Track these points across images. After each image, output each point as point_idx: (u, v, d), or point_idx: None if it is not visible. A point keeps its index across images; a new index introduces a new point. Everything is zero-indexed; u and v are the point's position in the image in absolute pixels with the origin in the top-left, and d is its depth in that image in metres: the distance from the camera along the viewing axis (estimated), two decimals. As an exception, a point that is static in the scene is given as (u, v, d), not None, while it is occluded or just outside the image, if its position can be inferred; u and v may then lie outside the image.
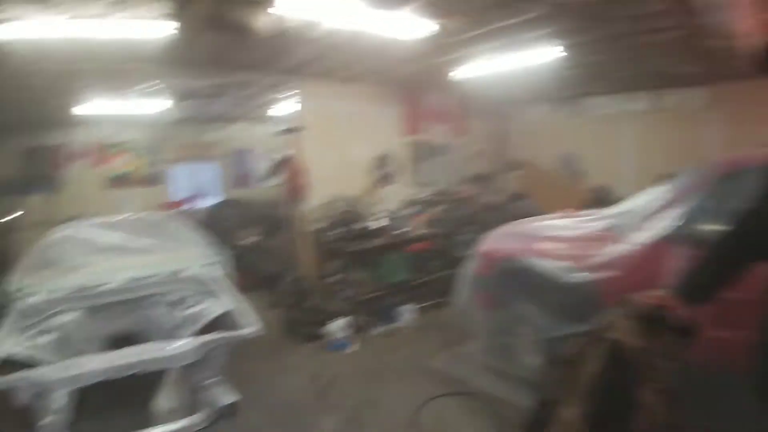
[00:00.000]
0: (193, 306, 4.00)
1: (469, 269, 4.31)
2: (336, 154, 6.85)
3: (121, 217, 5.19)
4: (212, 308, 3.91)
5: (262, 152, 9.26)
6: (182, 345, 3.20)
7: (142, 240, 4.80)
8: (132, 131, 8.35)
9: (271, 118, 8.67)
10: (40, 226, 7.10)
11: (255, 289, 6.73)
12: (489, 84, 6.57)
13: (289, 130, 6.57)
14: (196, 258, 4.65)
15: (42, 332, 3.71)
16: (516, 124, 8.92)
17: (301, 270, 6.59)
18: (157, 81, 5.74)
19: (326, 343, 5.32)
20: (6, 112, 6.56)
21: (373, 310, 5.85)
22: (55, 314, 3.90)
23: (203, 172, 9.45)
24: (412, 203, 7.33)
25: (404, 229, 6.42)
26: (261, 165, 9.40)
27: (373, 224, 6.34)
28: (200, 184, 9.33)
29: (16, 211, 6.89)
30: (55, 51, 4.02)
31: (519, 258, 3.79)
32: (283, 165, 7.19)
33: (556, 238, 3.79)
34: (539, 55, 5.22)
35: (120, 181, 8.40)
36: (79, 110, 6.66)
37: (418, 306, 5.94)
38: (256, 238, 8.05)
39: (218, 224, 7.98)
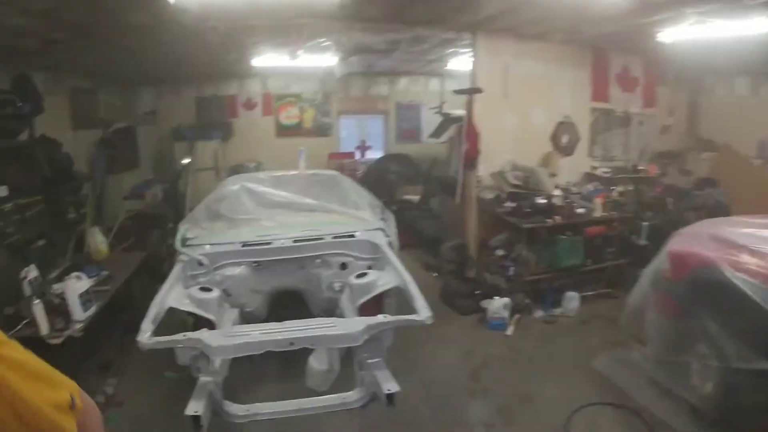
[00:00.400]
0: (361, 274, 3.79)
1: (654, 267, 3.82)
2: (514, 118, 6.28)
3: (292, 172, 5.13)
4: (382, 281, 3.68)
5: (431, 108, 8.86)
6: (353, 325, 2.98)
7: (312, 198, 4.71)
8: (302, 84, 8.51)
9: (444, 73, 8.24)
10: (212, 170, 7.75)
11: (412, 247, 6.59)
12: (690, 51, 5.59)
13: (465, 90, 6.06)
14: (366, 221, 4.49)
15: (206, 285, 3.76)
16: (713, 99, 7.59)
17: (464, 238, 6.29)
18: (329, 36, 5.60)
19: (483, 319, 5.12)
20: (183, 65, 6.93)
21: (536, 292, 5.47)
22: (220, 267, 3.98)
23: (370, 125, 9.38)
24: (591, 178, 6.61)
25: (582, 209, 5.70)
26: (429, 121, 9.02)
27: (549, 200, 5.66)
28: (366, 137, 9.26)
29: (189, 156, 7.25)
30: (227, 7, 4.00)
31: (717, 268, 3.13)
32: (457, 125, 6.76)
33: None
34: (755, 25, 4.35)
35: (288, 131, 8.66)
36: (251, 63, 6.80)
37: (582, 294, 5.45)
38: (418, 196, 7.81)
39: (382, 178, 7.92)
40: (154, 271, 5.40)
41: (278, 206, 4.59)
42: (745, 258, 3.08)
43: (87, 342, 3.57)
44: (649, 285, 3.79)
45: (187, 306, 3.37)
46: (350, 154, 8.68)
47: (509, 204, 5.73)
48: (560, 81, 6.58)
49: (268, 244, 4.06)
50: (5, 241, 4.57)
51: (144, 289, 4.82)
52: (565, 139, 6.72)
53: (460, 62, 7.36)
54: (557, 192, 5.82)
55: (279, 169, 5.47)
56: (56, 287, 3.82)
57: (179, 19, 3.97)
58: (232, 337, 2.83)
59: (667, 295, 3.63)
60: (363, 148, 9.01)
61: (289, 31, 5.16)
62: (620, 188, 6.39)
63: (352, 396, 3.18)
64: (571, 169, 6.65)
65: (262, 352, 2.80)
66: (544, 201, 5.62)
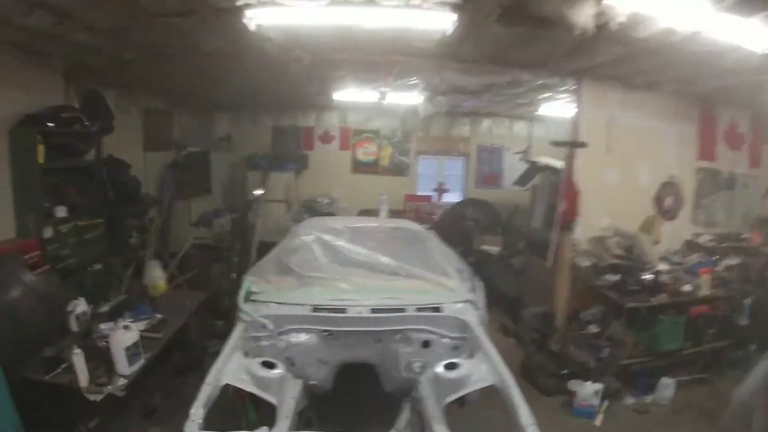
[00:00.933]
0: (450, 365, 3.20)
1: None
2: (616, 176, 5.61)
3: (371, 223, 4.66)
4: (476, 375, 3.13)
5: (515, 153, 8.30)
6: None
7: (393, 258, 4.22)
8: (381, 120, 8.17)
9: (532, 117, 7.66)
10: (283, 203, 7.45)
11: (489, 305, 6.00)
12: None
13: (567, 143, 5.47)
14: (454, 291, 3.96)
15: (268, 352, 3.39)
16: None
17: (551, 305, 5.66)
18: (420, 75, 5.23)
19: (569, 403, 4.62)
20: (261, 93, 6.71)
21: (628, 376, 4.93)
22: (285, 332, 3.55)
23: (449, 166, 8.92)
24: (693, 247, 5.87)
25: (688, 286, 5.00)
26: (512, 166, 8.54)
27: (656, 277, 5.00)
28: (444, 179, 8.81)
29: (262, 187, 6.95)
30: (314, 38, 3.76)
31: None
32: (543, 174, 6.18)
33: None
34: None
35: (364, 167, 8.35)
36: (332, 97, 6.53)
37: (676, 379, 4.89)
38: (498, 247, 7.21)
39: (458, 225, 7.41)
40: (215, 307, 5.12)
41: (355, 265, 4.12)
42: None
43: (130, 387, 3.28)
44: (764, 382, 3.47)
45: (245, 384, 2.92)
46: (427, 197, 8.20)
47: (610, 277, 5.09)
48: (666, 136, 5.88)
49: (343, 311, 3.58)
50: (59, 264, 4.36)
51: (200, 325, 4.47)
52: (669, 202, 5.98)
53: (553, 107, 6.88)
54: (663, 266, 5.18)
55: (353, 205, 5.17)
56: (104, 328, 3.58)
57: (260, 47, 3.73)
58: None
59: None
60: (440, 190, 8.58)
61: (378, 67, 4.79)
62: (727, 261, 5.62)
63: None
64: (672, 236, 5.94)
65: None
66: (651, 277, 4.99)
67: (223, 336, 5.34)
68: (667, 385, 4.84)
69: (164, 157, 6.41)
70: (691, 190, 6.14)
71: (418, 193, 8.45)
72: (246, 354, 3.27)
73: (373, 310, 3.60)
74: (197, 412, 2.46)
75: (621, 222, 5.63)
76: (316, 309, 3.59)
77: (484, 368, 3.14)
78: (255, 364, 3.00)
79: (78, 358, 3.05)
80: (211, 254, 6.07)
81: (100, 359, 3.25)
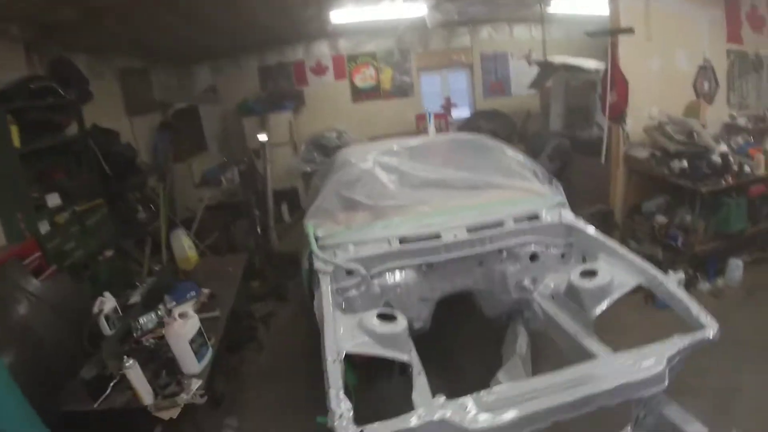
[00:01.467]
0: (587, 272, 2.77)
1: None
2: (657, 63, 5.31)
3: (424, 139, 4.06)
4: (618, 279, 2.72)
5: (522, 56, 7.73)
6: (641, 361, 2.02)
7: (467, 171, 3.68)
8: (375, 42, 7.41)
9: (532, 19, 7.16)
10: (287, 145, 6.77)
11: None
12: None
13: (612, 31, 5.03)
14: (545, 195, 3.51)
15: (361, 301, 2.92)
16: None
17: (606, 203, 5.41)
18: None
19: (651, 297, 4.29)
20: (243, 32, 6.00)
21: (699, 262, 4.81)
22: (377, 275, 3.02)
23: (453, 80, 8.26)
24: (732, 129, 5.62)
25: (747, 166, 4.82)
26: (518, 72, 8.02)
27: (725, 158, 4.75)
28: (452, 93, 8.14)
29: (264, 132, 6.21)
30: None
31: None
32: (574, 80, 6.06)
33: None
34: None
35: (365, 94, 7.63)
36: (328, 19, 5.85)
37: (744, 260, 4.84)
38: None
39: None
40: (249, 269, 4.57)
41: (428, 185, 3.55)
42: None
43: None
44: None
45: (368, 347, 2.35)
46: (442, 115, 7.57)
47: (677, 164, 4.80)
48: (698, 20, 5.59)
49: (437, 237, 3.06)
50: (66, 261, 3.64)
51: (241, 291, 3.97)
52: (706, 86, 5.79)
53: (565, 3, 6.37)
54: (723, 148, 4.90)
55: (360, 135, 4.61)
56: (145, 321, 2.87)
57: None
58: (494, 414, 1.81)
59: None
60: (448, 106, 7.93)
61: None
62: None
63: None
64: (711, 120, 5.69)
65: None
66: (720, 160, 4.75)
67: (262, 298, 4.98)
68: (736, 267, 4.76)
69: (150, 120, 5.65)
70: (723, 73, 5.96)
71: (427, 112, 7.69)
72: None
73: (470, 230, 3.11)
74: (339, 405, 1.86)
75: (666, 110, 5.39)
76: (404, 241, 3.06)
77: (623, 269, 2.75)
78: (371, 320, 2.43)
79: (133, 370, 2.34)
80: (227, 213, 5.43)
81: (157, 362, 2.60)
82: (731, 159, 4.77)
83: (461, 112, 8.00)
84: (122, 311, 3.15)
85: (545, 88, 7.18)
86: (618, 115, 5.13)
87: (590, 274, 2.74)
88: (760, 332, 3.81)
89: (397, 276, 3.01)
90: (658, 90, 5.40)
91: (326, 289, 2.68)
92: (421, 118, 7.19)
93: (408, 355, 2.36)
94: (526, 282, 3.20)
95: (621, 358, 2.10)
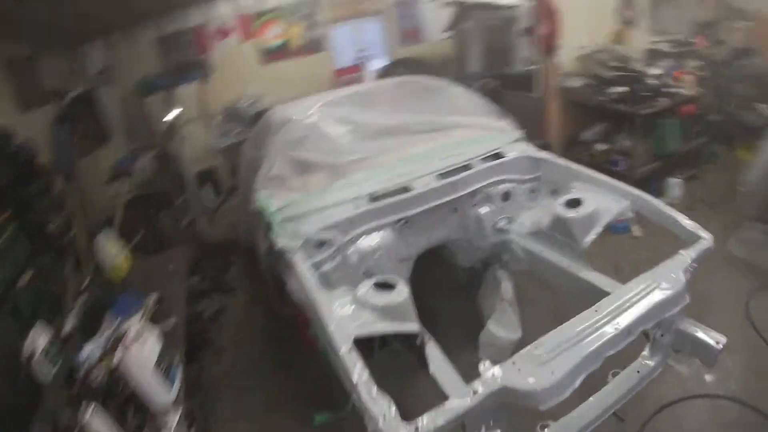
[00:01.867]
0: (572, 201, 2.66)
1: None
2: None
3: (366, 86, 3.71)
4: (604, 205, 2.62)
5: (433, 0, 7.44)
6: (671, 281, 1.99)
7: (424, 113, 3.40)
8: None
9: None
10: (200, 121, 6.17)
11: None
12: None
13: None
14: (505, 131, 3.37)
15: (337, 273, 2.59)
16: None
17: (543, 137, 5.27)
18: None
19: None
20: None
21: (639, 184, 4.85)
22: (351, 241, 2.69)
23: (367, 30, 7.74)
24: (656, 55, 5.77)
25: (677, 88, 4.97)
26: (432, 17, 7.62)
27: (660, 80, 4.89)
28: (366, 44, 7.65)
29: (174, 107, 5.58)
30: None
31: None
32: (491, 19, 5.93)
33: None
34: None
35: (275, 54, 6.92)
36: None
37: (681, 178, 5.06)
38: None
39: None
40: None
41: (384, 133, 3.22)
42: None
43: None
44: None
45: (377, 326, 2.01)
46: (358, 68, 7.14)
47: (616, 89, 4.85)
48: None
49: (408, 189, 2.79)
50: None
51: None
52: (628, 13, 5.94)
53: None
54: (656, 71, 5.02)
55: (277, 100, 4.23)
56: (89, 351, 2.23)
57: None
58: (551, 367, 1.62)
59: None
60: (363, 58, 7.49)
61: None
62: (693, 63, 5.68)
63: (648, 365, 2.27)
64: (635, 46, 5.81)
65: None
66: (656, 82, 4.86)
67: (205, 294, 4.48)
68: (675, 185, 4.94)
69: (48, 114, 4.81)
70: (645, 1, 6.10)
71: (344, 66, 7.32)
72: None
73: (440, 176, 2.88)
74: (380, 401, 1.55)
75: (594, 38, 5.46)
76: (373, 199, 2.75)
77: (603, 195, 2.69)
78: (370, 292, 2.10)
79: (96, 417, 1.79)
80: (148, 206, 4.79)
81: (117, 400, 1.99)
82: (665, 81, 4.89)
83: (378, 62, 7.59)
84: (59, 344, 2.54)
85: (461, 30, 6.94)
86: (551, 46, 5.03)
87: (575, 203, 2.63)
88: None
89: (374, 238, 2.69)
90: (586, 20, 5.37)
91: (302, 267, 2.31)
92: (339, 74, 6.75)
93: (417, 323, 2.06)
94: (502, 223, 3.03)
95: (641, 283, 2.02)
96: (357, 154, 3.02)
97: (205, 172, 6.00)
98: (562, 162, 3.03)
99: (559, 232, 2.67)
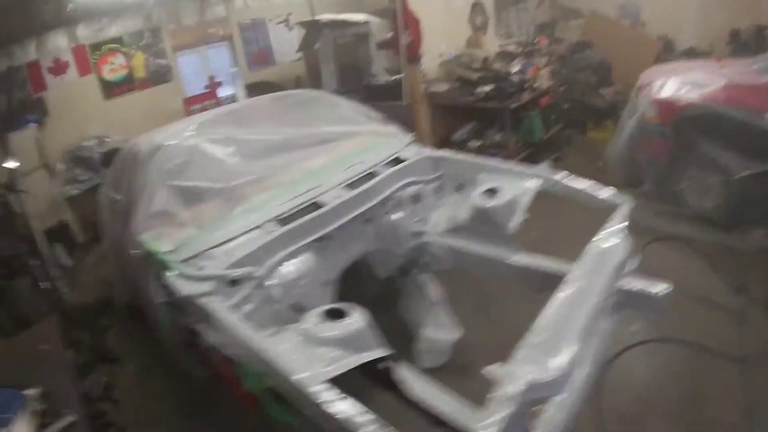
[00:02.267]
0: (489, 191, 2.65)
1: (636, 118, 4.27)
2: (439, 3, 5.82)
3: (239, 104, 3.42)
4: (517, 190, 2.64)
5: (279, 23, 7.51)
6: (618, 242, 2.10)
7: (311, 126, 3.20)
8: (121, 23, 6.04)
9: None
10: (41, 169, 5.40)
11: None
12: None
13: None
14: (395, 135, 3.35)
15: (261, 313, 2.27)
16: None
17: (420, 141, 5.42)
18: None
19: None
20: None
21: None
22: (269, 273, 2.37)
23: (215, 57, 7.38)
24: (506, 56, 6.23)
25: (537, 83, 5.48)
26: (279, 39, 7.64)
27: (523, 76, 5.36)
28: (214, 71, 7.23)
29: (10, 158, 4.73)
30: None
31: (706, 105, 3.84)
32: (344, 36, 6.10)
33: (731, 85, 3.82)
34: None
35: (118, 87, 6.23)
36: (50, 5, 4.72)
37: (549, 162, 5.39)
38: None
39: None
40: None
41: (274, 150, 2.97)
42: (719, 92, 3.82)
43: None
44: (636, 132, 4.28)
45: (347, 361, 1.72)
46: (211, 94, 6.67)
47: (484, 88, 5.15)
48: None
49: (318, 206, 2.58)
50: None
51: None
52: (479, 20, 6.52)
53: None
54: (515, 68, 5.52)
55: (123, 136, 3.81)
56: None
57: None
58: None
59: (656, 137, 4.12)
60: (213, 84, 7.01)
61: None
62: (544, 60, 6.34)
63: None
64: (486, 50, 6.26)
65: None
66: (518, 78, 5.33)
67: (87, 369, 3.78)
68: (545, 168, 5.34)
69: None
70: (491, 8, 6.75)
71: (195, 94, 6.75)
72: None
73: (348, 187, 2.73)
74: None
75: (451, 45, 5.85)
76: (282, 221, 2.50)
77: (512, 181, 2.73)
78: (321, 326, 1.83)
79: None
80: (3, 276, 4.00)
81: None
82: (525, 77, 5.33)
83: (227, 89, 7.26)
84: None
85: (312, 50, 6.87)
86: (414, 55, 5.15)
87: (491, 192, 2.64)
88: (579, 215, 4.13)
89: (295, 264, 2.41)
90: (443, 29, 5.69)
91: (226, 313, 1.98)
92: (189, 103, 6.26)
93: (382, 344, 1.85)
94: (417, 226, 2.94)
95: (593, 252, 2.04)
96: (250, 175, 2.74)
97: (54, 229, 5.21)
98: (463, 157, 3.06)
99: (482, 223, 2.63)
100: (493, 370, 1.49)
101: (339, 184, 2.71)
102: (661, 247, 3.64)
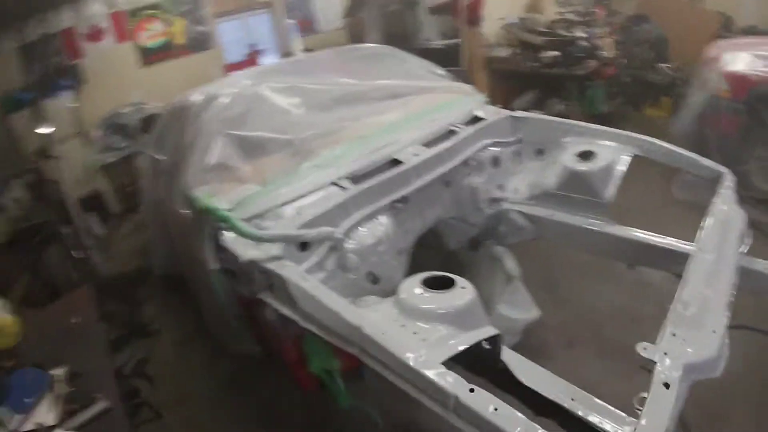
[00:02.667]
0: (585, 153, 2.36)
1: (707, 94, 3.94)
2: None
3: (299, 56, 3.13)
4: (614, 154, 2.37)
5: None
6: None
7: (376, 80, 2.86)
8: None
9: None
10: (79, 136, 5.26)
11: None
12: None
13: None
14: (470, 92, 3.02)
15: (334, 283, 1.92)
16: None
17: None
18: None
19: None
20: None
21: None
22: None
23: (256, 24, 7.04)
24: (565, 24, 5.76)
25: (601, 51, 5.04)
26: (323, 5, 7.22)
27: (591, 43, 4.92)
28: (256, 39, 6.95)
29: (46, 124, 4.56)
30: None
31: None
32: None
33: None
34: None
35: (156, 54, 5.94)
36: None
37: None
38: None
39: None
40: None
41: (342, 102, 2.66)
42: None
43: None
44: (706, 107, 3.97)
45: (462, 340, 1.41)
46: (251, 62, 6.39)
47: (549, 54, 4.81)
48: None
49: (395, 165, 2.26)
50: None
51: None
52: None
53: None
54: (581, 34, 5.08)
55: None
56: None
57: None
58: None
59: (728, 113, 3.82)
60: (255, 53, 6.78)
61: None
62: (605, 29, 5.83)
63: None
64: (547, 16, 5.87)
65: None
66: (587, 44, 4.90)
67: (120, 343, 3.53)
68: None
69: None
70: None
71: (235, 61, 6.54)
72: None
73: (427, 146, 2.39)
74: None
75: (511, 9, 5.50)
76: (355, 179, 2.17)
77: (605, 145, 2.45)
78: (423, 296, 1.51)
79: None
80: (28, 245, 3.77)
81: None
82: (593, 43, 4.91)
83: (270, 58, 6.88)
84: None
85: (357, 17, 6.53)
86: (475, 18, 4.86)
87: (585, 155, 2.36)
88: (648, 193, 3.91)
89: (374, 228, 2.09)
90: None
91: (302, 278, 1.66)
92: (230, 68, 5.98)
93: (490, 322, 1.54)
94: (496, 192, 2.61)
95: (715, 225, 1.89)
96: (317, 128, 2.43)
97: (88, 198, 4.99)
98: (549, 119, 2.75)
99: (574, 189, 2.35)
100: (648, 348, 1.29)
101: (416, 142, 2.39)
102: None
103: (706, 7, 6.23)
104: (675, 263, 1.89)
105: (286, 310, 1.68)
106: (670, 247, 2.05)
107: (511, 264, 2.58)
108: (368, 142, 2.37)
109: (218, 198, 2.07)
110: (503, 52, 5.00)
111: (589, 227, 2.29)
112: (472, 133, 2.50)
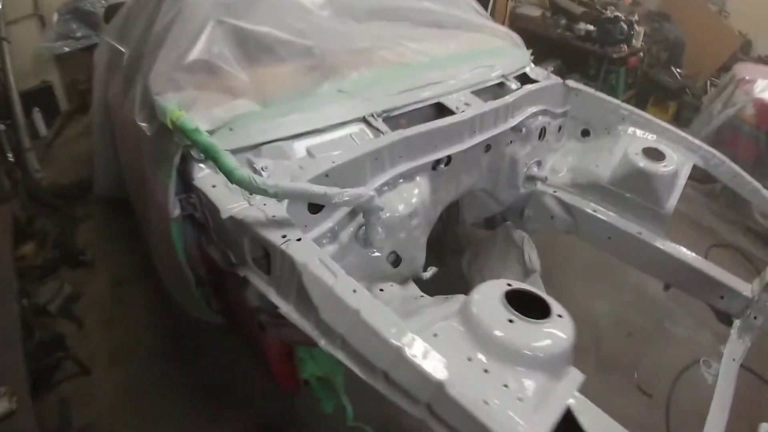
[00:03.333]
0: (649, 150, 1.99)
1: (732, 109, 3.87)
2: None
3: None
4: (678, 159, 2.03)
5: None
6: None
7: (425, 1, 2.28)
8: None
9: None
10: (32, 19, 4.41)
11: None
12: None
13: None
14: (518, 44, 2.50)
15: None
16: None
17: None
18: None
19: None
20: None
21: None
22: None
23: None
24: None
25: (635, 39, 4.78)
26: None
27: (630, 26, 4.60)
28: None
29: None
30: None
31: None
32: None
33: None
34: None
35: None
36: None
37: None
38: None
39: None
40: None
41: (378, 16, 2.06)
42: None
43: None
44: (725, 126, 3.92)
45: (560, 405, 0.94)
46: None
47: (585, 26, 4.49)
48: None
49: (445, 110, 1.79)
50: None
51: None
52: None
53: None
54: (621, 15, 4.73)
55: None
56: None
57: None
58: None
59: (748, 138, 3.83)
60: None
61: None
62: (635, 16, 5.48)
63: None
64: None
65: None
66: (626, 27, 4.55)
67: (46, 272, 2.86)
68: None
69: None
70: None
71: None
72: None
73: (476, 95, 1.92)
74: None
75: None
76: (387, 117, 1.66)
77: (671, 145, 2.08)
78: (515, 327, 1.05)
79: None
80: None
81: None
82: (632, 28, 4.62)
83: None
84: None
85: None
86: None
87: (653, 154, 1.97)
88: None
89: (410, 192, 1.60)
90: None
91: (322, 268, 1.09)
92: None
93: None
94: (535, 169, 2.19)
95: None
96: (347, 41, 1.86)
97: (34, 91, 4.25)
98: (608, 98, 2.29)
99: (634, 189, 1.98)
100: None
101: (464, 89, 1.89)
102: (720, 254, 3.31)
103: (730, 24, 6.04)
104: (723, 301, 1.72)
105: (290, 313, 1.13)
106: (728, 284, 1.75)
107: (534, 256, 2.19)
108: (410, 75, 1.85)
109: (196, 112, 1.42)
110: (533, 12, 4.58)
111: (640, 237, 1.93)
112: (528, 94, 2.03)
